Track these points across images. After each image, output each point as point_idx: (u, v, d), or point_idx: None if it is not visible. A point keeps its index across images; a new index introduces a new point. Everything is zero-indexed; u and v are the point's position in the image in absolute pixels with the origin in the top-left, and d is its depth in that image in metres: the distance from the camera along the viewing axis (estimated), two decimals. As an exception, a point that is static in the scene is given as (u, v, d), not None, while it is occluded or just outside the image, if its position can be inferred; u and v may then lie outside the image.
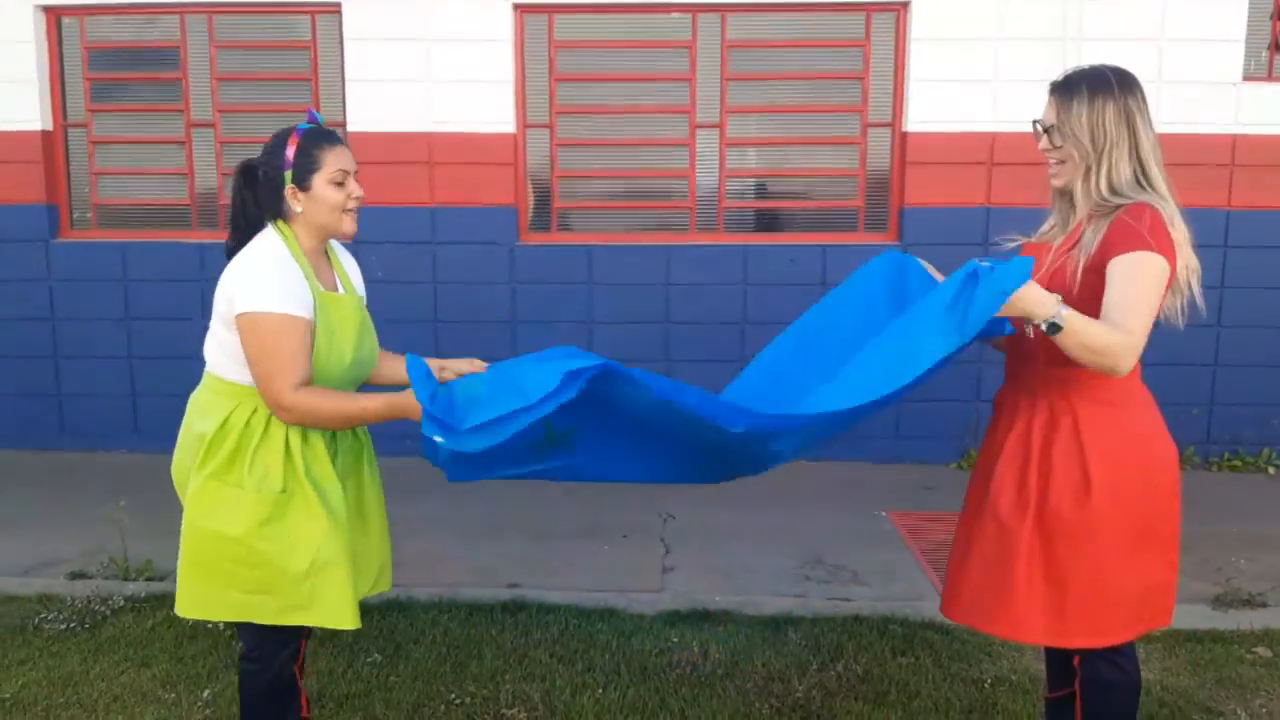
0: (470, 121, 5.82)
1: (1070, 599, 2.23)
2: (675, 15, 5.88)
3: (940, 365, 2.10)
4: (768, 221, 6.13)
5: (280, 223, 2.38)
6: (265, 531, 2.31)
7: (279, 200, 2.37)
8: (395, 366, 2.67)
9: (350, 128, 5.85)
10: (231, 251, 2.41)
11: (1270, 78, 5.79)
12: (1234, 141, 5.75)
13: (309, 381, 2.31)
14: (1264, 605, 3.91)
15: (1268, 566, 4.31)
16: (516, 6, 5.80)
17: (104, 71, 6.06)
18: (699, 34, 5.89)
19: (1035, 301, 2.04)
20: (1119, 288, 2.11)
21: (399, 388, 2.32)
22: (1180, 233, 2.18)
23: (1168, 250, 2.13)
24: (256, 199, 2.39)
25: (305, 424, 2.32)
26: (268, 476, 2.33)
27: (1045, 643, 2.29)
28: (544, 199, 6.08)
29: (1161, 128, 6.24)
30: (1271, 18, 5.76)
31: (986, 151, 5.76)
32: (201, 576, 2.36)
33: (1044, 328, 2.06)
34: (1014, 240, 2.51)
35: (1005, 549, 2.27)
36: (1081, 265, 2.19)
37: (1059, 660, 2.46)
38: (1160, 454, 2.28)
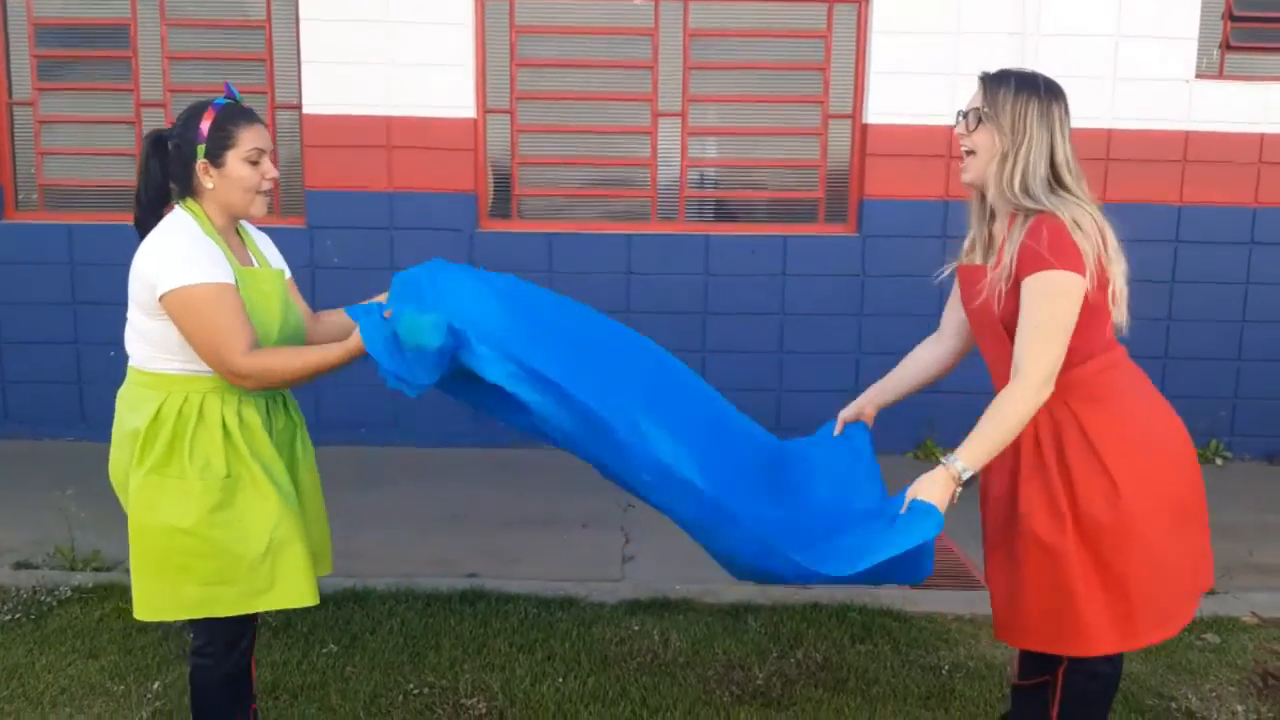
0: (430, 105, 5.75)
1: (1134, 600, 2.21)
2: (638, 2, 5.85)
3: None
4: (729, 211, 6.13)
5: (189, 201, 2.34)
6: (217, 519, 2.27)
7: (189, 175, 2.32)
8: (331, 324, 2.61)
9: (306, 110, 5.75)
10: (140, 224, 2.35)
11: (1222, 76, 5.89)
12: (1186, 138, 5.85)
13: (258, 343, 2.26)
14: (1213, 593, 3.97)
15: (1216, 555, 4.31)
16: (477, -10, 5.74)
17: (52, 49, 5.89)
18: (661, 21, 5.86)
19: (941, 498, 2.08)
20: (1021, 322, 2.15)
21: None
22: (1090, 233, 2.15)
23: (1071, 261, 2.11)
24: (165, 171, 2.34)
25: (264, 386, 2.27)
26: (210, 463, 2.28)
27: (1121, 649, 2.26)
28: (504, 185, 6.02)
29: (1116, 123, 6.32)
30: (1223, 17, 5.86)
31: (945, 144, 5.80)
32: (155, 576, 2.30)
33: (962, 489, 2.11)
34: (948, 268, 2.50)
35: (1056, 569, 2.22)
36: (1004, 292, 2.20)
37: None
38: (1168, 426, 2.29)
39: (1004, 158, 2.22)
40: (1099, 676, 2.35)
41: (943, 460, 2.12)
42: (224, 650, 2.40)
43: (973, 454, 2.10)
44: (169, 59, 5.85)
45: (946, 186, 5.85)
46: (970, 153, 2.29)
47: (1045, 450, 2.24)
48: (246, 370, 2.22)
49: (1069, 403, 2.23)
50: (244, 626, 2.42)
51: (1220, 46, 5.90)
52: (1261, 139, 5.86)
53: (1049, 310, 2.11)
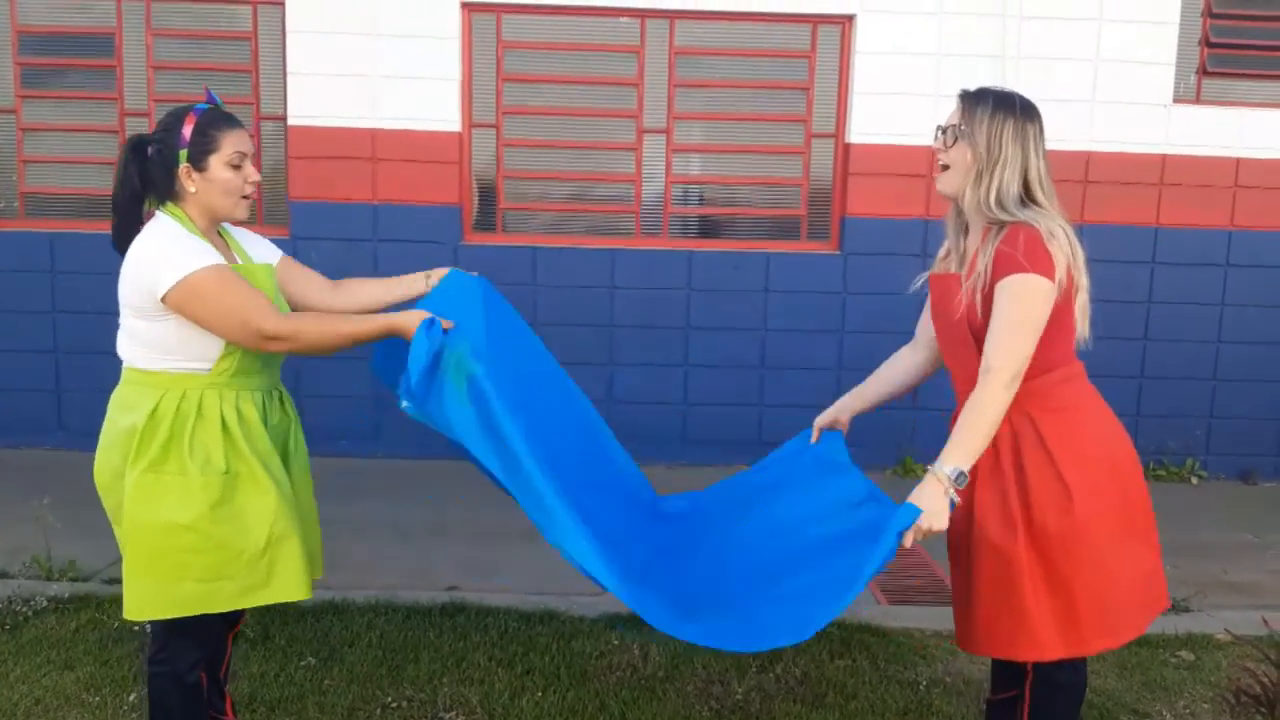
0: (415, 119, 5.76)
1: (1080, 608, 2.24)
2: (624, 20, 5.89)
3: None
4: (712, 228, 6.16)
5: (170, 206, 2.35)
6: (217, 514, 2.28)
7: (170, 180, 2.33)
8: (350, 294, 2.63)
9: (291, 121, 5.75)
10: (117, 232, 2.35)
11: (1199, 100, 5.99)
12: (1163, 161, 5.93)
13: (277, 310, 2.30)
14: (1187, 611, 4.03)
15: (1191, 573, 4.44)
16: (464, 5, 5.76)
17: (35, 56, 5.87)
18: (647, 39, 5.90)
19: (937, 512, 2.12)
20: (993, 322, 2.20)
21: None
22: (1062, 244, 2.21)
23: (1044, 265, 2.17)
24: (143, 176, 2.35)
25: (295, 349, 2.30)
26: (210, 459, 2.29)
27: (1067, 655, 2.28)
28: (489, 199, 6.04)
29: (1094, 146, 6.40)
30: (1200, 44, 5.95)
31: (926, 164, 5.85)
32: (152, 574, 2.29)
33: (956, 496, 2.15)
34: (921, 278, 2.56)
35: (1006, 574, 2.26)
36: (979, 300, 2.25)
37: (1008, 663, 2.48)
38: (1121, 445, 2.34)
39: (979, 174, 2.28)
40: (1062, 687, 2.37)
41: (928, 469, 2.16)
42: (176, 658, 2.38)
43: (959, 453, 2.15)
44: (154, 69, 5.84)
45: (927, 206, 5.91)
46: (946, 167, 2.35)
47: (1003, 458, 2.29)
48: (278, 331, 2.24)
49: (1029, 412, 2.27)
50: (198, 638, 2.39)
51: (1197, 72, 5.99)
52: (1237, 163, 5.95)
53: (1021, 310, 2.17)
